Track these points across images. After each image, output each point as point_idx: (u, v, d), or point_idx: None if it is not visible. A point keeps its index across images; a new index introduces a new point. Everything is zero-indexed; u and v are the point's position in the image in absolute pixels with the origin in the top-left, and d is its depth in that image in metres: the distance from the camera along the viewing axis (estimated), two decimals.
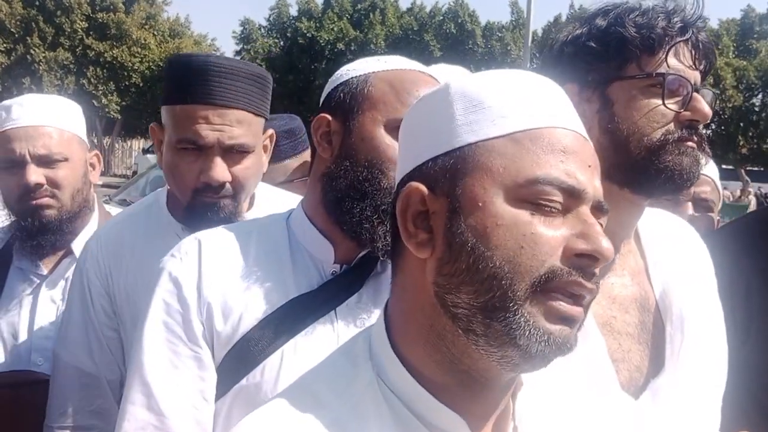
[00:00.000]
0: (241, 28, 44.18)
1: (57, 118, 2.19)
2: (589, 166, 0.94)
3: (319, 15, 40.64)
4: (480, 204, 0.90)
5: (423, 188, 0.95)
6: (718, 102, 37.69)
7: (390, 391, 0.96)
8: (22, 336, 2.17)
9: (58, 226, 2.17)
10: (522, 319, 0.88)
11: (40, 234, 2.16)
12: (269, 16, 44.07)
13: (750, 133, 38.57)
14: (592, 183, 0.93)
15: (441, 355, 0.95)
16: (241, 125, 1.73)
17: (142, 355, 1.41)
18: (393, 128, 1.41)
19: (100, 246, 1.89)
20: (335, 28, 39.62)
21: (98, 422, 1.86)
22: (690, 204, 2.55)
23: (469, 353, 0.93)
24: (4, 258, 2.24)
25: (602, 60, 1.42)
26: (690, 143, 1.41)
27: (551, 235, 0.89)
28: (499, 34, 42.61)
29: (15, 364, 2.14)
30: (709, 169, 2.66)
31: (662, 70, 1.39)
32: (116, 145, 39.35)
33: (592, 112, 1.44)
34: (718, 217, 2.75)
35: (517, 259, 0.88)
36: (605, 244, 0.89)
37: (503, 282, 0.88)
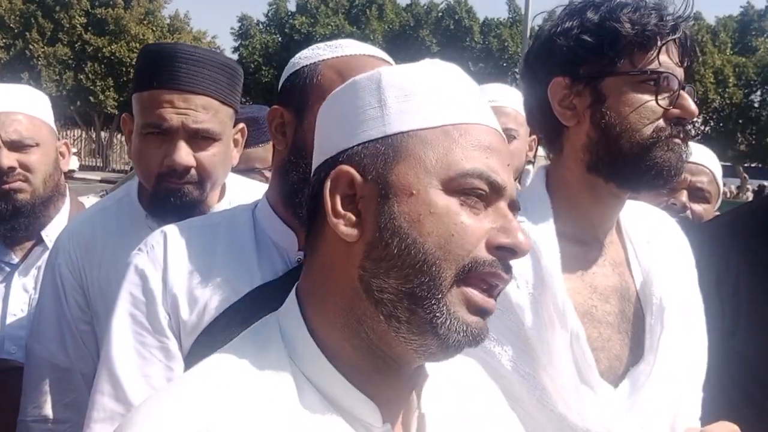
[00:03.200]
0: (239, 24, 44.30)
1: (27, 106, 2.20)
2: (508, 165, 0.99)
3: (314, 10, 40.69)
4: (414, 192, 0.93)
5: (353, 171, 0.96)
6: (718, 99, 37.85)
7: (302, 375, 0.96)
8: None
9: (31, 210, 2.17)
10: (445, 308, 0.92)
11: (14, 218, 2.16)
12: (267, 12, 44.18)
13: (749, 130, 38.65)
14: (510, 181, 0.98)
15: (359, 340, 0.96)
16: (206, 111, 1.73)
17: (110, 346, 1.43)
18: None
19: (72, 240, 1.89)
20: (331, 24, 39.66)
21: (72, 415, 1.86)
22: (685, 192, 2.54)
23: (387, 339, 0.95)
24: None
25: (595, 54, 1.42)
26: (676, 140, 1.42)
27: (477, 226, 0.93)
28: (497, 31, 42.64)
29: None
30: (711, 162, 2.67)
31: (654, 66, 1.40)
32: (114, 141, 39.35)
33: (583, 106, 1.44)
34: (717, 213, 2.74)
35: (447, 246, 0.91)
36: (522, 238, 0.95)
37: (433, 268, 0.91)
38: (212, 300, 1.41)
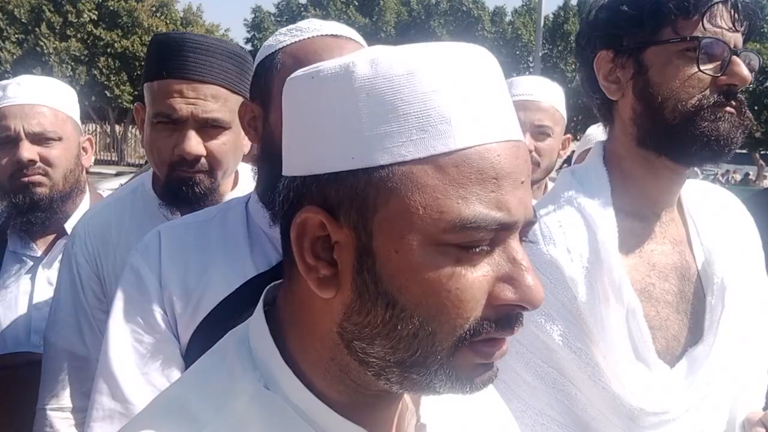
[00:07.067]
0: (252, 16, 44.50)
1: (53, 99, 2.21)
2: (523, 182, 0.78)
3: (325, 2, 40.78)
4: (396, 252, 0.75)
5: (322, 216, 0.77)
6: None
7: (286, 405, 0.83)
8: (22, 318, 2.19)
9: (49, 205, 2.19)
10: (443, 374, 0.77)
11: (31, 211, 2.17)
12: (278, 4, 44.35)
13: (764, 117, 38.28)
14: (524, 205, 0.78)
15: (344, 386, 0.83)
16: (216, 100, 1.74)
17: (108, 346, 1.44)
18: None
19: (88, 230, 1.91)
20: (343, 16, 39.65)
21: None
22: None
23: (377, 387, 0.82)
24: None
25: (637, 25, 1.40)
26: (729, 108, 1.37)
27: (477, 283, 0.75)
28: (510, 19, 42.51)
29: (15, 346, 2.16)
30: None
31: (698, 33, 1.35)
32: (129, 135, 39.47)
33: (626, 78, 1.43)
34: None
35: (440, 318, 0.75)
36: (535, 291, 0.77)
37: (425, 341, 0.76)
38: (206, 294, 1.42)
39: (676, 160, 1.42)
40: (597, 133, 2.62)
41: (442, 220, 0.73)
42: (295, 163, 0.82)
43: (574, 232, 1.43)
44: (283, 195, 0.83)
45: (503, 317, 0.77)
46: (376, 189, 0.75)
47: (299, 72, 0.82)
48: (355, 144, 0.75)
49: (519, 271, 0.77)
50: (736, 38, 1.38)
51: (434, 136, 0.74)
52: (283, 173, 0.85)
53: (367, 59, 0.76)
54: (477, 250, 0.75)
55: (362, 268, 0.76)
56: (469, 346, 0.77)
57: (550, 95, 2.73)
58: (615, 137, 1.49)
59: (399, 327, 0.75)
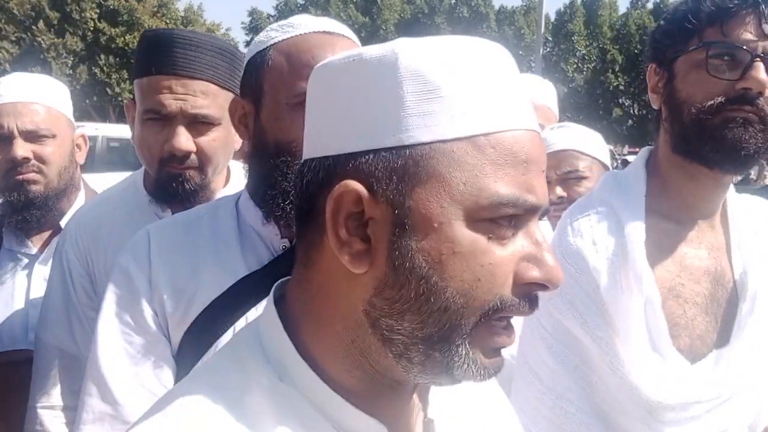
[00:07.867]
0: (250, 18, 44.69)
1: (46, 96, 2.22)
2: (543, 171, 0.83)
3: (325, 3, 40.88)
4: (435, 225, 0.78)
5: (362, 190, 0.79)
6: None
7: (301, 398, 0.85)
8: (19, 316, 2.19)
9: (44, 202, 2.19)
10: (464, 353, 0.81)
11: (26, 209, 2.18)
12: (277, 5, 44.51)
13: None
14: (545, 192, 0.83)
15: (361, 371, 0.85)
16: (205, 96, 1.74)
17: (97, 347, 1.43)
18: (296, 104, 1.33)
19: (79, 228, 1.91)
20: (343, 15, 39.71)
21: None
22: (558, 188, 2.36)
23: (394, 372, 0.84)
24: None
25: (671, 37, 1.48)
26: (740, 114, 1.38)
27: (506, 260, 0.79)
28: (513, 18, 42.57)
29: (12, 343, 2.16)
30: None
31: (717, 40, 1.39)
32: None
33: (661, 87, 1.50)
34: None
35: (472, 293, 0.78)
36: (557, 270, 0.82)
37: (454, 316, 0.79)
38: (197, 293, 1.41)
39: (702, 164, 1.46)
40: (551, 136, 2.46)
41: (481, 197, 0.77)
42: (326, 144, 0.84)
43: (602, 225, 1.49)
44: (309, 177, 0.85)
45: (524, 296, 0.81)
46: (417, 165, 0.78)
47: (334, 57, 0.85)
48: (397, 122, 0.78)
49: (542, 252, 0.81)
50: (765, 46, 1.39)
51: (474, 118, 0.78)
52: (305, 156, 0.87)
53: (413, 44, 0.81)
54: (506, 229, 0.79)
55: (399, 242, 0.79)
56: (487, 327, 0.80)
57: (542, 93, 2.70)
58: (658, 144, 1.55)
59: (432, 300, 0.78)
